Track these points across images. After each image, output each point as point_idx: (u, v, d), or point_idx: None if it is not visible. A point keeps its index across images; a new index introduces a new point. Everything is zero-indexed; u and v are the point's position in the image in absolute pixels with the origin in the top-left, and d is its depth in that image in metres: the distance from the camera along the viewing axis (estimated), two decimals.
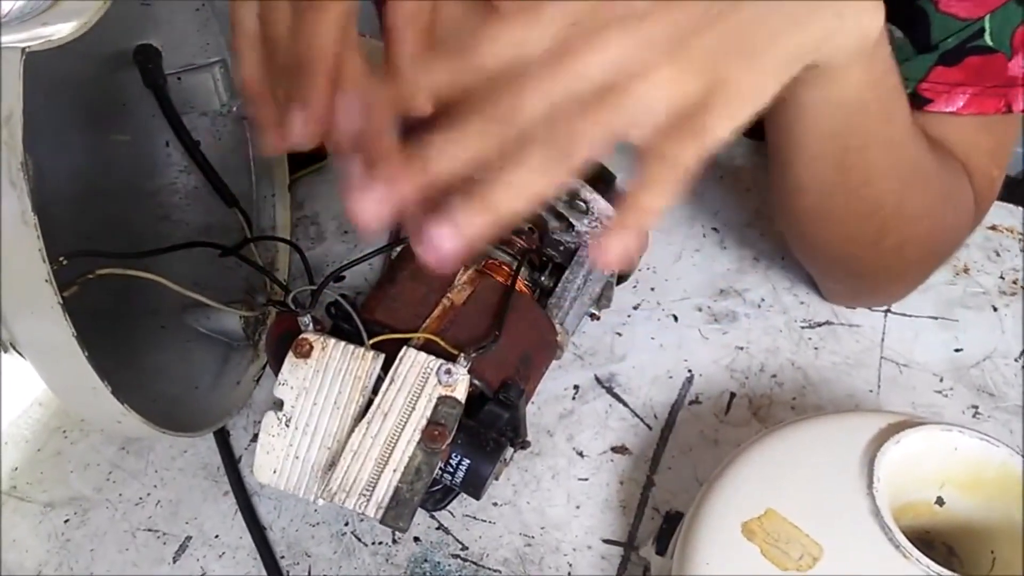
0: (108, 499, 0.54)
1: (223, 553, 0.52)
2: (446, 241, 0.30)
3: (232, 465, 0.55)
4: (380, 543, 0.52)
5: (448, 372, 0.45)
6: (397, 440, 0.44)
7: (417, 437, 0.44)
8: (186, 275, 0.56)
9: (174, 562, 0.52)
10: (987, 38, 0.50)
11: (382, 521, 0.43)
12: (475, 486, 0.46)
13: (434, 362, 0.46)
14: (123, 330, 0.57)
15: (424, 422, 0.45)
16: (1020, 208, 0.67)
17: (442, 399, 0.45)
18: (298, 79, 0.36)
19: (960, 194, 0.54)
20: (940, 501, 0.46)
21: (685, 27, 0.33)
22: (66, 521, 0.53)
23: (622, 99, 0.32)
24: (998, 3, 0.48)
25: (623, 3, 0.33)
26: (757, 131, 0.39)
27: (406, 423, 0.45)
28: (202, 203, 0.62)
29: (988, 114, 0.52)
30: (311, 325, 0.49)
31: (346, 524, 0.53)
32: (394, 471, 0.44)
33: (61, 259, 0.47)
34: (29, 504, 0.54)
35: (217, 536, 0.53)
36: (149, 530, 0.53)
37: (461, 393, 0.45)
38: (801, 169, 0.48)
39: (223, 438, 0.56)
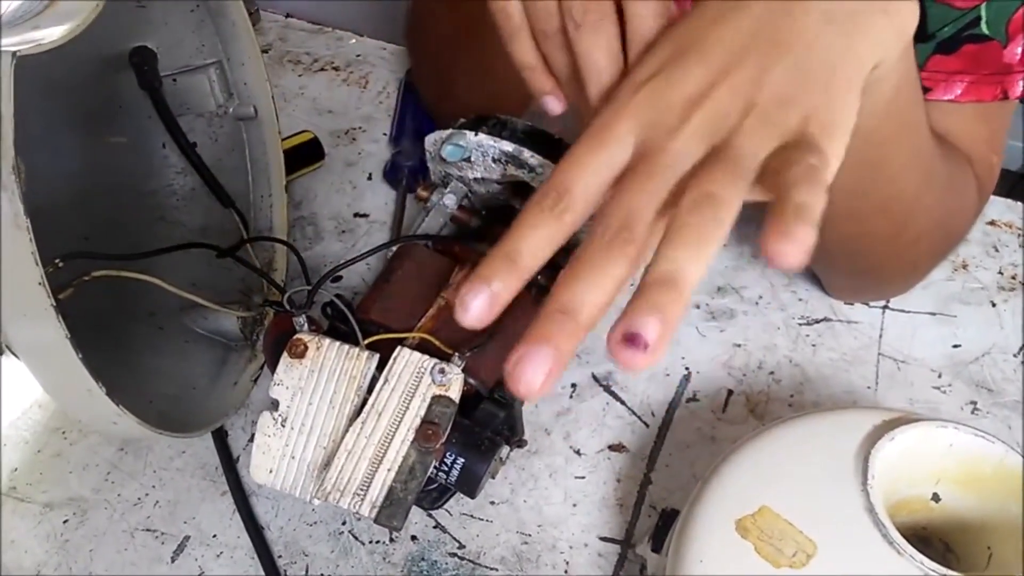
0: (107, 499, 0.55)
1: (221, 553, 0.52)
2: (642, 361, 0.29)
3: (230, 465, 0.55)
4: (377, 542, 0.52)
5: (442, 371, 0.45)
6: (391, 440, 0.44)
7: (411, 436, 0.44)
8: (183, 276, 0.56)
9: (172, 562, 0.52)
10: (983, 26, 0.50)
11: (376, 520, 0.43)
12: (470, 485, 0.46)
13: (428, 361, 0.46)
14: (120, 331, 0.57)
15: (418, 421, 0.45)
16: (1019, 203, 0.67)
17: (436, 398, 0.45)
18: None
19: (965, 181, 0.54)
20: (936, 497, 0.46)
21: (750, 83, 0.33)
22: (65, 522, 0.54)
23: (728, 156, 0.32)
24: None
25: (683, 79, 0.33)
26: None
27: (400, 422, 0.45)
28: (199, 204, 0.62)
29: (985, 101, 0.52)
30: (306, 325, 0.49)
31: (343, 523, 0.53)
32: (388, 470, 0.44)
33: (57, 261, 0.48)
34: (28, 504, 0.54)
35: (215, 536, 0.53)
36: (147, 530, 0.53)
37: (455, 392, 0.45)
38: None
39: (221, 438, 0.56)
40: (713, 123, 0.33)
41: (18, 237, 0.38)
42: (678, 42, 0.35)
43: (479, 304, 0.31)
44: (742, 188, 0.31)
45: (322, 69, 0.80)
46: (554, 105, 0.42)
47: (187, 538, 0.53)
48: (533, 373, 0.29)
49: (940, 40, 0.51)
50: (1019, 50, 0.51)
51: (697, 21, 0.35)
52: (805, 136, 0.33)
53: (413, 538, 0.53)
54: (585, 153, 0.33)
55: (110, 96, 0.59)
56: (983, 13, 0.49)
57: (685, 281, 0.29)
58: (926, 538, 0.47)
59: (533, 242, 0.32)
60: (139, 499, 0.55)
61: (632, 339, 0.28)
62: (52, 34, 0.41)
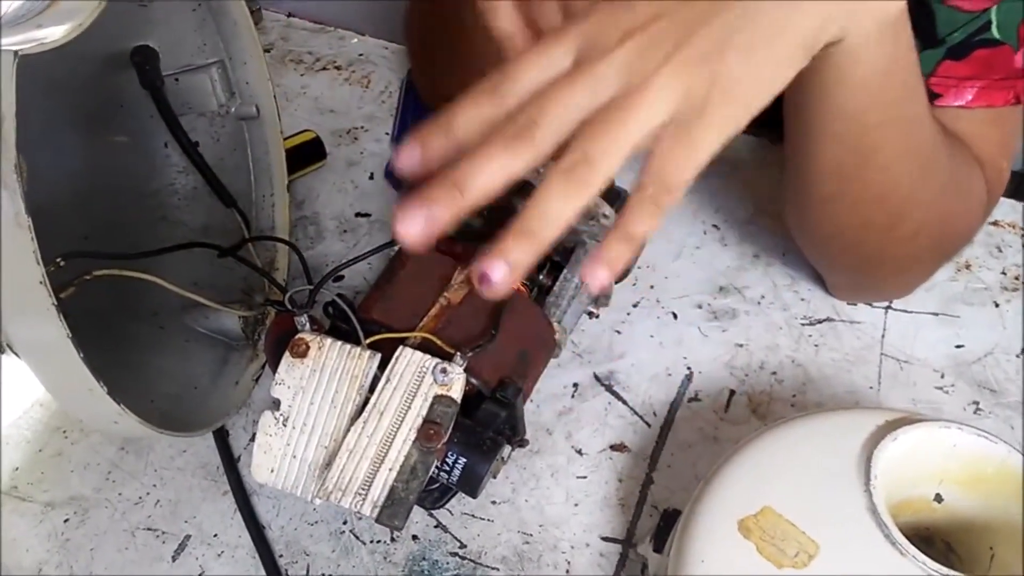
0: (108, 499, 0.55)
1: (222, 552, 0.52)
2: (496, 273, 0.34)
3: (231, 464, 0.55)
4: (378, 541, 0.52)
5: (444, 371, 0.45)
6: (393, 439, 0.44)
7: (413, 436, 0.44)
8: (185, 275, 0.56)
9: (173, 561, 0.52)
10: (994, 30, 0.50)
11: (378, 520, 0.43)
12: (471, 485, 0.46)
13: (430, 361, 0.46)
14: (122, 330, 0.57)
15: (420, 421, 0.45)
16: (1022, 204, 0.67)
17: (438, 398, 0.45)
18: None
19: (972, 182, 0.54)
20: (939, 498, 0.45)
21: (683, 29, 0.35)
22: (66, 521, 0.54)
23: (631, 108, 0.34)
24: None
25: (627, 14, 0.36)
26: (759, 127, 0.40)
27: (402, 422, 0.45)
28: (201, 204, 0.62)
29: (997, 106, 0.52)
30: (308, 325, 0.49)
31: (344, 523, 0.53)
32: (390, 470, 0.44)
33: (59, 260, 0.48)
34: (29, 504, 0.54)
35: (216, 535, 0.53)
36: (148, 529, 0.53)
37: (457, 392, 0.45)
38: (820, 151, 0.48)
39: (222, 438, 0.56)
40: (637, 59, 0.35)
41: (19, 236, 0.38)
42: None
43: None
44: (618, 157, 0.35)
45: (324, 68, 0.80)
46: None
47: (188, 537, 0.53)
48: (411, 222, 0.34)
49: (950, 46, 0.51)
50: None
51: None
52: (702, 109, 0.35)
53: (414, 537, 0.52)
54: (535, 52, 0.36)
55: (112, 95, 0.59)
56: (993, 17, 0.49)
57: (542, 238, 0.34)
58: (928, 538, 0.47)
59: (472, 116, 0.36)
60: (140, 498, 0.55)
61: (482, 278, 0.34)
62: (54, 33, 0.41)
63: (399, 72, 0.79)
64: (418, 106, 0.74)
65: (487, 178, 0.34)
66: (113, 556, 0.52)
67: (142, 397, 0.50)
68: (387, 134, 0.74)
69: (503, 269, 0.34)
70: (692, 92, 0.35)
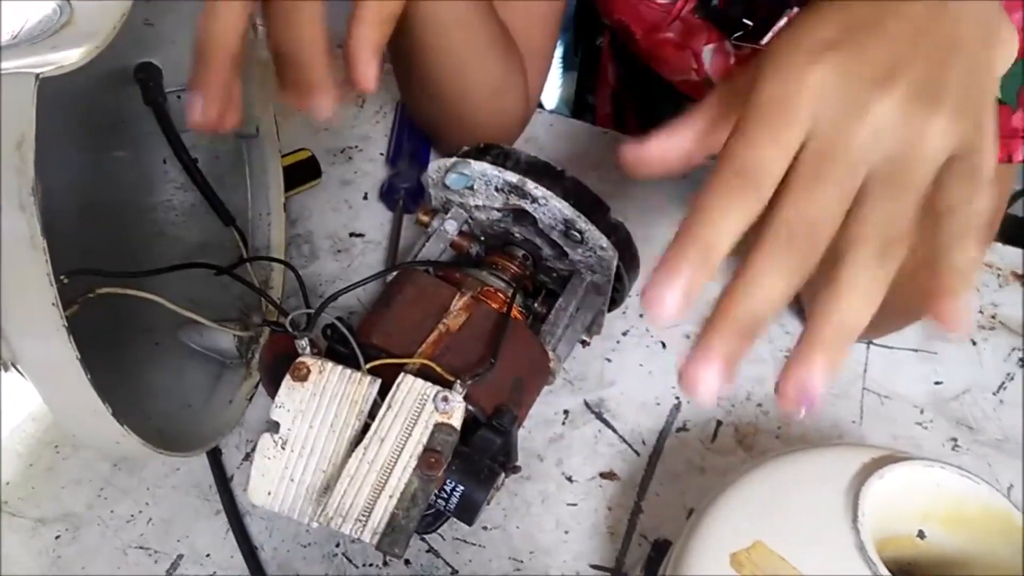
0: (100, 516, 0.55)
1: (214, 572, 0.53)
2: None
3: (224, 484, 0.55)
4: (371, 564, 0.53)
5: (445, 399, 0.46)
6: (393, 466, 0.45)
7: (413, 464, 0.45)
8: (181, 293, 0.56)
9: None
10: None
11: (378, 547, 0.44)
12: (468, 512, 0.47)
13: (431, 389, 0.47)
14: (117, 347, 0.57)
15: (420, 448, 0.45)
16: (998, 245, 0.69)
17: (439, 426, 0.46)
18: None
19: None
20: (922, 534, 0.47)
21: (933, 72, 0.32)
22: (57, 537, 0.54)
23: (914, 164, 0.31)
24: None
25: (865, 66, 0.31)
26: None
27: (402, 449, 0.45)
28: (198, 220, 0.63)
29: None
30: (308, 348, 0.49)
31: (337, 545, 0.54)
32: (390, 497, 0.44)
33: (62, 278, 0.48)
34: (20, 519, 0.54)
35: (208, 555, 0.53)
36: (141, 547, 0.53)
37: (457, 420, 0.46)
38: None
39: (215, 457, 0.57)
40: (904, 116, 0.31)
41: (34, 257, 0.38)
42: (851, 14, 0.33)
43: (672, 300, 0.30)
44: (918, 202, 0.31)
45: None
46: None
47: (180, 556, 0.53)
48: (708, 376, 0.30)
49: None
50: None
51: (859, 5, 0.33)
52: (977, 148, 0.32)
53: (406, 562, 0.53)
54: (767, 135, 0.31)
55: (113, 111, 0.59)
56: None
57: (858, 326, 0.30)
58: (910, 574, 0.48)
59: (726, 227, 0.31)
60: (132, 516, 0.55)
61: (802, 397, 0.30)
62: (71, 56, 0.41)
63: (393, 92, 0.79)
64: (413, 128, 0.75)
65: (775, 306, 0.30)
66: (105, 574, 0.52)
67: (139, 415, 0.50)
68: (381, 154, 0.75)
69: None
70: (966, 137, 0.32)
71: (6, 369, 0.46)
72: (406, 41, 0.58)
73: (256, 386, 0.60)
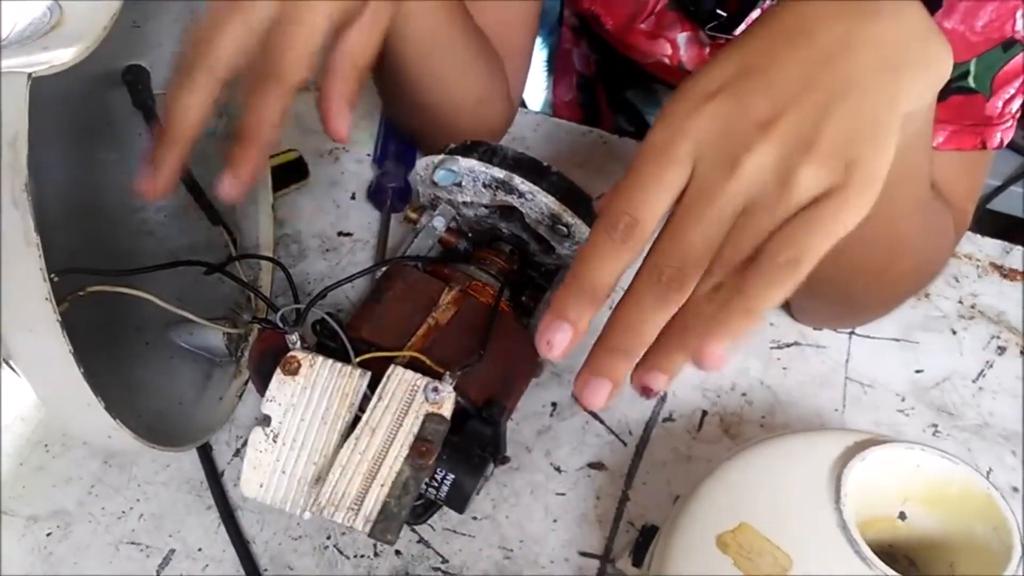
0: (91, 512, 0.55)
1: (206, 566, 0.53)
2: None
3: (215, 479, 0.56)
4: (362, 556, 0.53)
5: (435, 390, 0.47)
6: (385, 456, 0.46)
7: (405, 453, 0.46)
8: (170, 291, 0.56)
9: (158, 575, 0.53)
10: (970, 80, 0.53)
11: (371, 534, 0.44)
12: (459, 500, 0.48)
13: (421, 380, 0.47)
14: (107, 345, 0.58)
15: (411, 438, 0.46)
16: (978, 236, 0.70)
17: (429, 416, 0.46)
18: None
19: (946, 225, 0.56)
20: (903, 516, 0.48)
21: (810, 120, 0.34)
22: (48, 535, 0.54)
23: (779, 206, 0.33)
24: (984, 48, 0.51)
25: (741, 119, 0.34)
26: None
27: (394, 439, 0.46)
28: (187, 221, 0.63)
29: (965, 150, 0.55)
30: (299, 343, 0.50)
31: (328, 537, 0.54)
32: (382, 486, 0.45)
33: (52, 276, 0.48)
34: (11, 518, 0.54)
35: (200, 549, 0.54)
36: (132, 543, 0.54)
37: (447, 410, 0.47)
38: None
39: (206, 452, 0.57)
40: (775, 163, 0.33)
41: (28, 254, 0.39)
42: (743, 58, 0.35)
43: (562, 339, 0.36)
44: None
45: (306, 88, 0.81)
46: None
47: (172, 551, 0.54)
48: (596, 395, 0.35)
49: None
50: (1000, 104, 0.54)
51: (764, 37, 0.35)
52: (840, 194, 0.33)
53: (397, 552, 0.54)
54: (648, 177, 0.35)
55: (101, 112, 0.60)
56: (972, 67, 0.52)
57: (673, 369, 0.35)
58: (892, 555, 0.49)
59: (607, 271, 0.35)
60: (123, 512, 0.55)
61: (644, 391, 0.35)
62: (63, 56, 0.42)
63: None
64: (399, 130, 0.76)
65: (649, 337, 0.35)
66: (97, 570, 0.53)
67: (129, 411, 0.51)
68: (368, 155, 0.75)
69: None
70: (834, 182, 0.34)
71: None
72: (387, 60, 0.58)
73: (246, 383, 0.60)
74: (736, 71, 0.35)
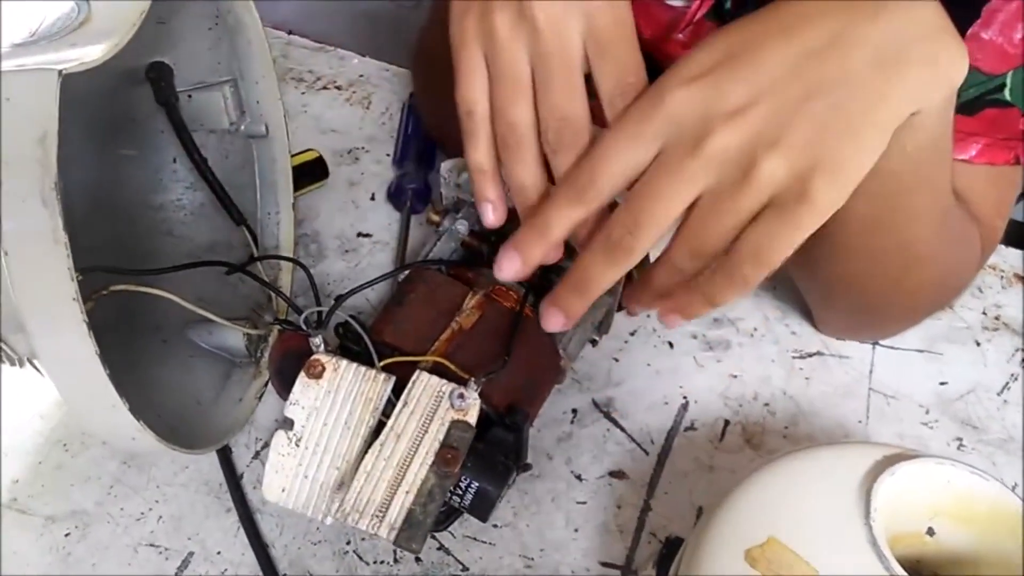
0: (109, 513, 0.54)
1: (225, 570, 0.53)
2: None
3: (234, 482, 0.55)
4: (382, 562, 0.53)
5: (461, 396, 0.46)
6: (410, 463, 0.45)
7: (430, 460, 0.45)
8: (190, 291, 0.56)
9: None
10: (1006, 93, 0.52)
11: (395, 542, 0.44)
12: (483, 509, 0.47)
13: (447, 386, 0.47)
14: (126, 345, 0.57)
15: (437, 445, 0.45)
16: (1002, 247, 0.70)
17: (455, 423, 0.46)
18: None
19: (972, 239, 0.56)
20: (931, 531, 0.47)
21: (783, 115, 0.34)
22: (67, 535, 0.53)
23: (739, 193, 0.35)
24: (1021, 61, 0.51)
25: (718, 99, 0.35)
26: None
27: (419, 446, 0.45)
28: (207, 220, 0.63)
29: (997, 164, 0.54)
30: (322, 346, 0.49)
31: (348, 543, 0.54)
32: (407, 493, 0.45)
33: (77, 275, 0.48)
34: (29, 517, 0.54)
35: (219, 552, 0.53)
36: (151, 545, 0.53)
37: (473, 417, 0.46)
38: (850, 206, 0.47)
39: (225, 455, 0.57)
40: (738, 151, 0.35)
41: (56, 252, 0.38)
42: (731, 46, 0.36)
43: (513, 266, 0.41)
44: (726, 242, 0.38)
45: (325, 88, 0.81)
46: (491, 215, 0.45)
47: (191, 554, 0.53)
48: (553, 320, 0.44)
49: (963, 100, 0.51)
50: None
51: (758, 27, 0.36)
52: (805, 190, 0.35)
53: (417, 559, 0.53)
54: (613, 148, 0.37)
55: (124, 109, 0.59)
56: (1008, 80, 0.51)
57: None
58: (919, 571, 0.48)
59: (562, 219, 0.39)
60: (143, 513, 0.55)
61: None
62: (92, 52, 0.41)
63: (400, 95, 0.80)
64: (420, 130, 0.75)
65: (596, 285, 0.40)
66: (116, 572, 0.52)
67: (150, 412, 0.50)
68: (388, 155, 0.75)
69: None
70: (797, 178, 0.34)
71: (21, 365, 0.46)
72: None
73: (265, 385, 0.60)
74: (723, 57, 0.36)
